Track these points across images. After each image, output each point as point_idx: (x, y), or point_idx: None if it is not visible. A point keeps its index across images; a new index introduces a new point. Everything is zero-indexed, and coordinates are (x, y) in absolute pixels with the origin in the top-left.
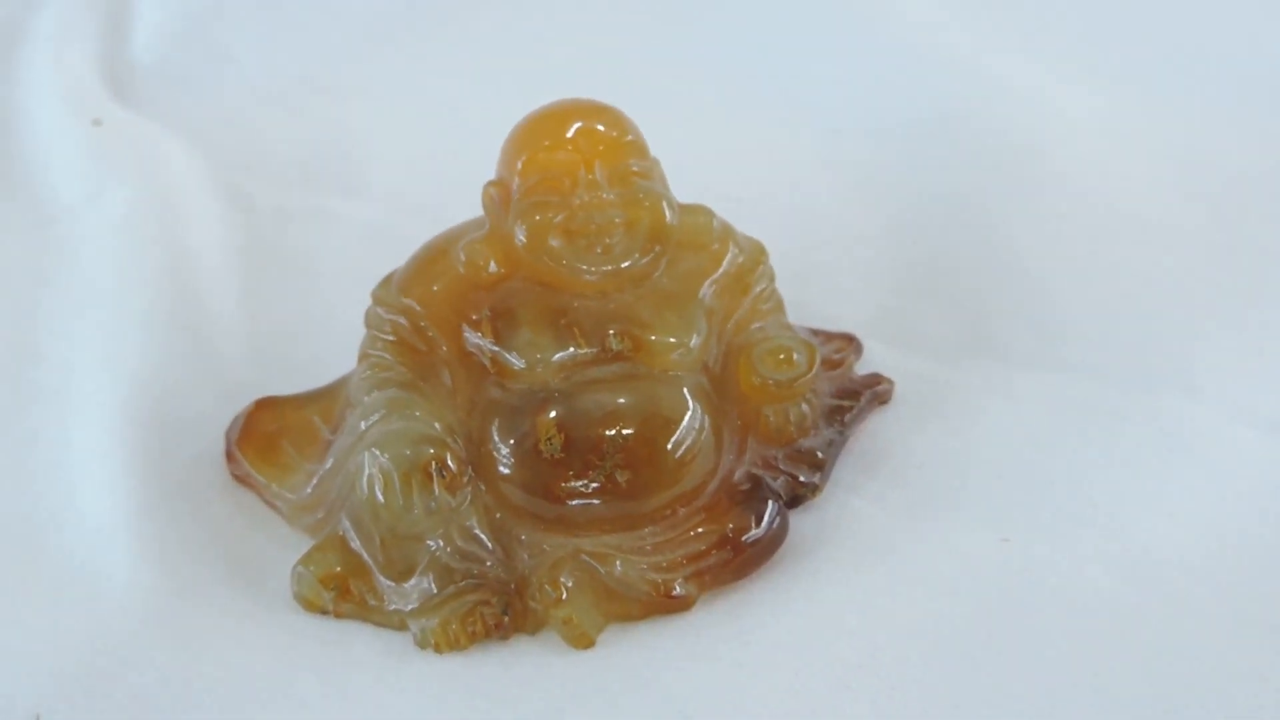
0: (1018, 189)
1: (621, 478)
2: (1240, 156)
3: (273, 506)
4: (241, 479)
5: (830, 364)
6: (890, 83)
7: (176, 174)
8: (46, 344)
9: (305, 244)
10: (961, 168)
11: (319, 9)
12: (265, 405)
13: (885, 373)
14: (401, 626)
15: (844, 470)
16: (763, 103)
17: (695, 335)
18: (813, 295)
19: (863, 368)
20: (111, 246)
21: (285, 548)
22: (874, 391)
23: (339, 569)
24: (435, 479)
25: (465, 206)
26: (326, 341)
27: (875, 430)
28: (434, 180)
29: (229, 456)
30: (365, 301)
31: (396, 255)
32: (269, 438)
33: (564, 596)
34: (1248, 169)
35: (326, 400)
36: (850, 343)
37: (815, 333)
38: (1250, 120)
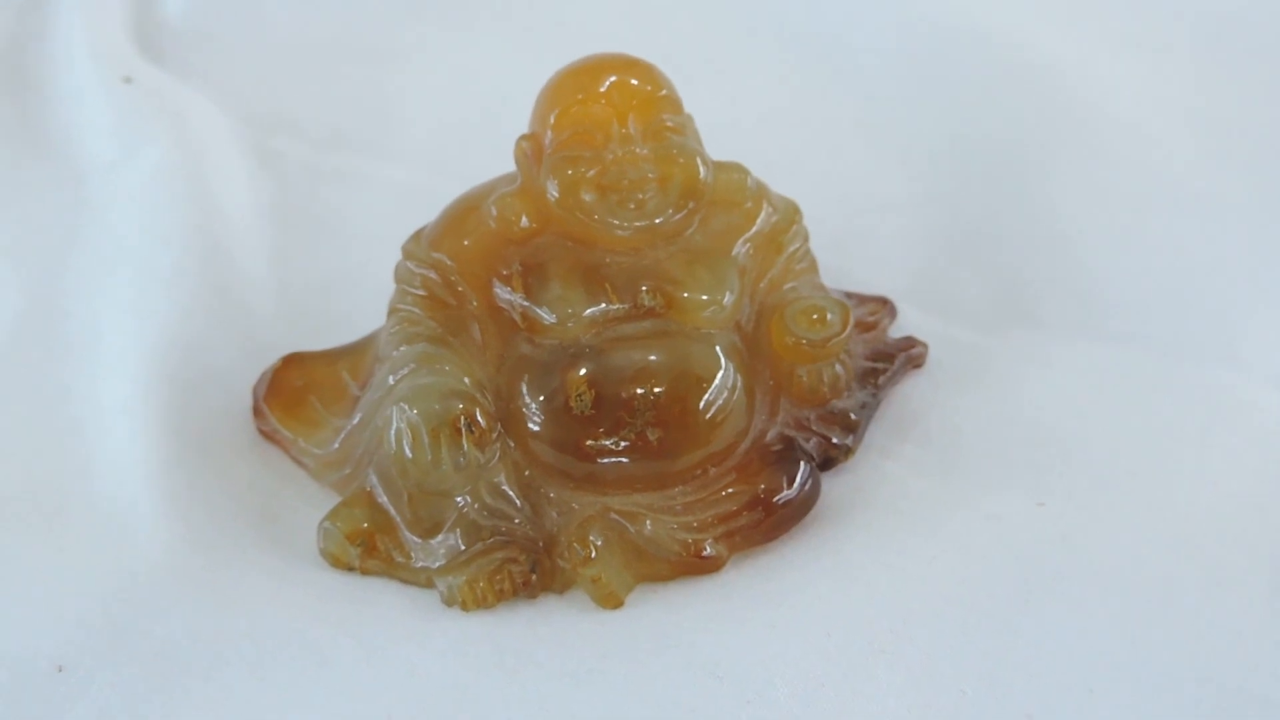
0: (1058, 157)
1: (653, 436)
2: None
3: (299, 463)
4: (268, 435)
5: (864, 326)
6: (929, 49)
7: (207, 132)
8: (76, 301)
9: (335, 203)
10: (1001, 135)
11: None
12: (293, 361)
13: (921, 338)
14: (428, 584)
15: (877, 433)
16: (801, 67)
17: (728, 293)
18: (849, 261)
19: (898, 333)
20: (141, 205)
21: (312, 504)
22: (908, 355)
23: (366, 525)
24: (464, 434)
25: (496, 168)
26: (355, 299)
27: (909, 394)
28: (465, 141)
29: (256, 412)
30: (395, 260)
31: (426, 215)
32: (296, 393)
33: (593, 555)
34: None
35: (355, 356)
36: (884, 305)
37: (849, 295)
38: None
